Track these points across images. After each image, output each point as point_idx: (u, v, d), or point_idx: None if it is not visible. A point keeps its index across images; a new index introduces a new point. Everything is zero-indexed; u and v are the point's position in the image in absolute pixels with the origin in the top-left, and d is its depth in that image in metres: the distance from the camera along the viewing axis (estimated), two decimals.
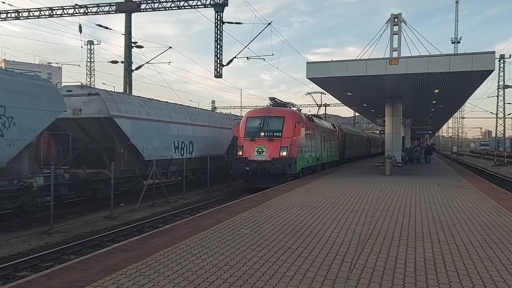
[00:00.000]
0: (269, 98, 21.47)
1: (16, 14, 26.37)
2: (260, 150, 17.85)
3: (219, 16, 22.75)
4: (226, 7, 22.76)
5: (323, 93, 26.54)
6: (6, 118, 10.00)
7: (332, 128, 27.92)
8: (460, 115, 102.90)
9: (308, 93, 29.75)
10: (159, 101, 18.45)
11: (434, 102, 25.98)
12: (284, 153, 17.64)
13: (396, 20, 24.69)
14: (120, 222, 12.30)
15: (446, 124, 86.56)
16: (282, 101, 21.74)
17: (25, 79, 11.09)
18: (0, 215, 11.91)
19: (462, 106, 72.25)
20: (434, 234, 7.29)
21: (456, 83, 18.60)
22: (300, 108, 23.13)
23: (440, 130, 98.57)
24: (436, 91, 20.97)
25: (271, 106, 20.65)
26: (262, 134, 18.22)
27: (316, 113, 28.62)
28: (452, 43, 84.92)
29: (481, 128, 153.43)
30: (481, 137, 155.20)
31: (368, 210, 9.82)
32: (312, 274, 5.05)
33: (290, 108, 21.33)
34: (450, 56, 16.32)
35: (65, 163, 13.49)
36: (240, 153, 18.34)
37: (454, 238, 7.04)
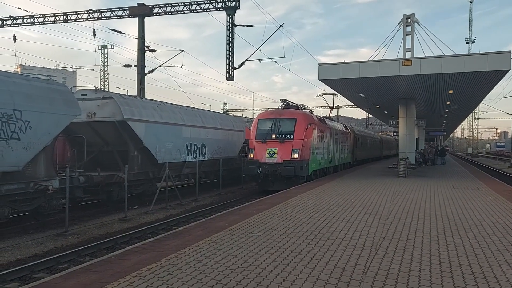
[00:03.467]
0: (280, 100, 21.32)
1: (32, 19, 26.86)
2: (271, 152, 17.62)
3: (231, 19, 22.85)
4: (238, 10, 22.87)
5: (335, 94, 26.28)
6: (22, 122, 10.17)
7: (344, 130, 27.63)
8: (475, 116, 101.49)
9: (320, 95, 29.54)
10: (172, 104, 18.58)
11: (448, 103, 25.68)
12: (296, 155, 17.39)
13: (409, 20, 24.48)
14: (134, 224, 12.40)
15: (460, 125, 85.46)
16: (294, 103, 21.51)
17: (41, 83, 11.28)
18: (16, 217, 12.10)
19: (477, 107, 71.23)
20: (449, 237, 7.19)
21: (470, 84, 18.36)
22: (312, 110, 22.94)
23: (455, 131, 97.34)
24: (451, 91, 20.73)
25: (282, 108, 20.45)
26: (274, 136, 18.00)
27: (328, 115, 28.40)
28: (467, 43, 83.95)
29: (496, 129, 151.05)
30: (496, 138, 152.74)
31: (382, 212, 9.74)
32: (325, 276, 5.02)
33: (301, 110, 21.11)
34: (464, 56, 16.12)
35: (80, 166, 13.65)
36: (252, 155, 18.17)
37: (470, 240, 6.94)
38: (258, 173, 17.47)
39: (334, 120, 28.07)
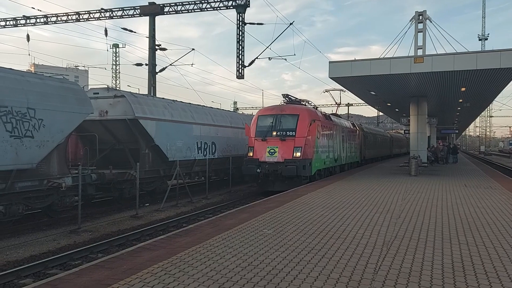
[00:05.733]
0: (282, 95, 19.96)
1: (45, 19, 27.16)
2: (272, 150, 16.53)
3: (241, 17, 22.85)
4: (248, 8, 22.86)
5: (342, 90, 25.13)
6: (36, 120, 10.31)
7: (352, 127, 26.49)
8: (488, 114, 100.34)
9: (326, 91, 27.65)
10: (183, 102, 18.68)
11: (460, 100, 25.40)
12: (298, 154, 16.33)
13: (420, 17, 24.24)
14: (145, 221, 12.51)
15: (473, 123, 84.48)
16: (297, 98, 20.33)
17: (54, 82, 11.43)
18: (30, 214, 12.29)
19: (490, 104, 70.32)
20: (462, 236, 7.13)
21: (483, 81, 18.14)
22: (317, 106, 21.59)
23: (467, 129, 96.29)
24: (463, 89, 20.50)
25: (284, 104, 19.19)
26: (274, 133, 16.89)
27: (335, 112, 27.40)
28: (479, 40, 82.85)
29: (510, 127, 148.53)
30: (510, 136, 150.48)
31: (393, 211, 9.68)
32: (336, 275, 5.02)
33: (305, 105, 19.94)
34: (477, 54, 15.91)
35: (92, 164, 13.82)
36: (251, 154, 17.13)
37: (483, 239, 6.87)
38: (258, 172, 16.44)
39: (340, 117, 26.91)
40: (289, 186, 15.53)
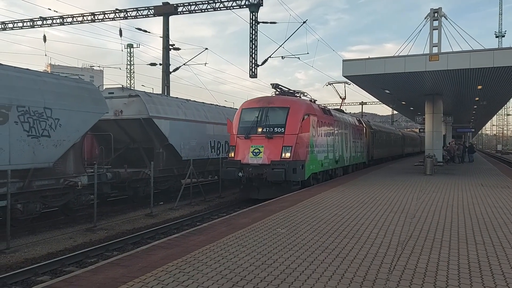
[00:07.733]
0: (271, 84, 17.10)
1: (61, 20, 27.54)
2: (256, 150, 13.98)
3: (254, 16, 22.85)
4: (261, 7, 22.85)
5: (346, 83, 23.11)
6: (52, 120, 10.49)
7: (357, 124, 23.73)
8: (505, 112, 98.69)
9: (329, 83, 24.78)
10: (196, 101, 18.78)
11: (477, 99, 25.00)
12: (288, 155, 13.75)
13: (436, 15, 23.91)
14: (159, 220, 12.62)
15: (489, 121, 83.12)
16: (290, 89, 17.53)
17: (70, 82, 11.60)
18: (47, 212, 12.50)
19: (507, 102, 69.11)
20: (478, 236, 7.02)
21: (500, 79, 17.82)
22: (315, 99, 19.14)
23: (484, 127, 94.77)
24: (479, 87, 20.17)
25: (274, 95, 16.53)
26: (260, 130, 14.25)
27: (339, 107, 25.53)
28: (496, 37, 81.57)
29: None
30: None
31: (408, 210, 9.58)
32: (350, 275, 5.00)
33: (300, 97, 17.36)
34: (494, 51, 15.63)
35: (107, 163, 13.99)
36: (232, 154, 14.54)
37: (500, 240, 6.76)
38: (240, 177, 13.79)
39: (344, 112, 24.01)
40: (277, 193, 13.19)
